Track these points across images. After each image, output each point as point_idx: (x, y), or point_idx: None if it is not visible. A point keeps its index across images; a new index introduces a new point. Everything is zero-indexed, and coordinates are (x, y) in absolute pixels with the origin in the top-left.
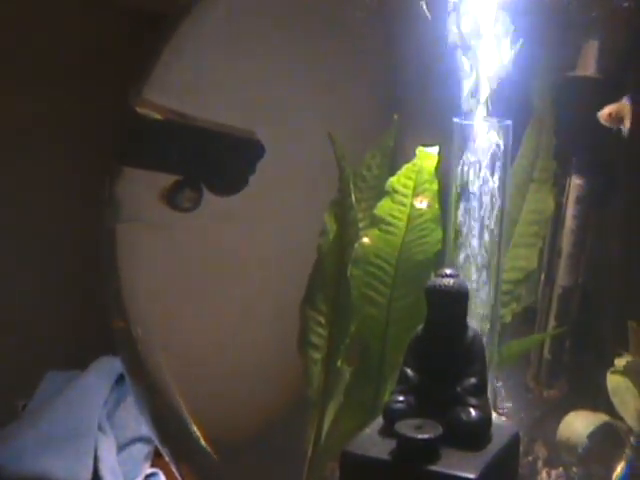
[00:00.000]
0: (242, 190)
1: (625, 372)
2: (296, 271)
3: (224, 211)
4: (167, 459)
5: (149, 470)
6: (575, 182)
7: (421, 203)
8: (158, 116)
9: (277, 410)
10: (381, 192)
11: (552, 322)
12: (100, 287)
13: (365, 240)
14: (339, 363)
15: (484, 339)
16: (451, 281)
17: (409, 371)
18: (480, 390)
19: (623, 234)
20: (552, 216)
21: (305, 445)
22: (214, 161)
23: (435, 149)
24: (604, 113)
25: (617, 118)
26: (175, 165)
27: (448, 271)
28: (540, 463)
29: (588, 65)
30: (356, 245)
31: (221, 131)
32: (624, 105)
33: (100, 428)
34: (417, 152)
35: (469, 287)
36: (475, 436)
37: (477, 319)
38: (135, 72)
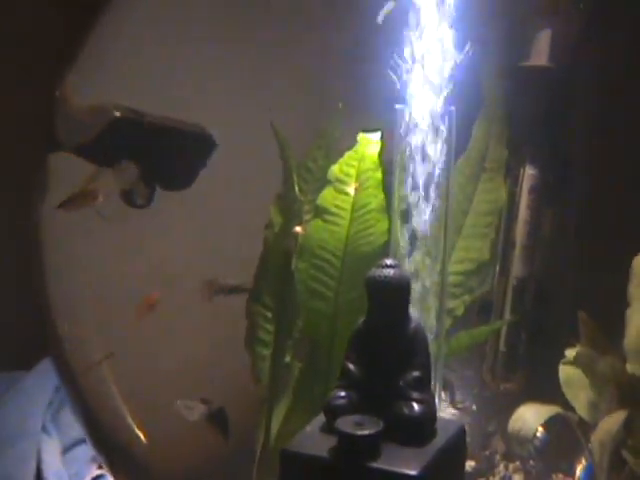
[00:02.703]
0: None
1: (576, 363)
2: (242, 266)
3: (163, 205)
4: (104, 466)
5: (96, 472)
6: (529, 172)
7: (354, 190)
8: (117, 113)
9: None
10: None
11: (507, 314)
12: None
13: (297, 229)
14: (288, 359)
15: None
16: (391, 272)
17: (351, 366)
18: (423, 383)
19: (577, 225)
20: (506, 207)
21: (255, 445)
22: (166, 157)
23: (377, 135)
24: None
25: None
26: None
27: (388, 262)
28: (498, 457)
29: (541, 54)
30: (300, 238)
31: (172, 126)
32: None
33: (44, 430)
34: (359, 139)
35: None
36: (418, 431)
37: (426, 312)
38: (67, 61)
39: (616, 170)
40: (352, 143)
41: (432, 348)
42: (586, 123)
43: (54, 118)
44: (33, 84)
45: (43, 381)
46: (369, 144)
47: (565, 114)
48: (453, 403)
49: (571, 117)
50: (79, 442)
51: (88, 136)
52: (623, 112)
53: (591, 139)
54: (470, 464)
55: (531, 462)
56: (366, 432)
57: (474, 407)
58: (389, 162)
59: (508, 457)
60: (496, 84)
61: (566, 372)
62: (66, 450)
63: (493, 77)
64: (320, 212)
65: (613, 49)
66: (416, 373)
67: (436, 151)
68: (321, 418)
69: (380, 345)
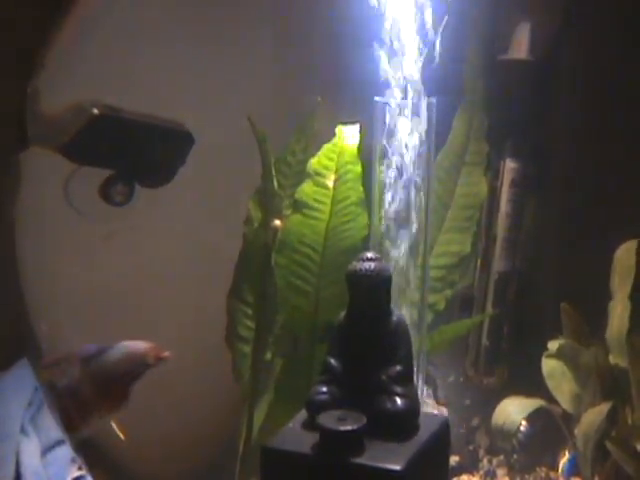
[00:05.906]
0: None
1: (558, 355)
2: (222, 263)
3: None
4: (83, 467)
5: (76, 473)
6: (509, 165)
7: (332, 182)
8: (95, 111)
9: (205, 408)
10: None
11: (489, 308)
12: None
13: (277, 222)
14: (269, 355)
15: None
16: (372, 265)
17: (332, 360)
18: (406, 378)
19: (559, 218)
20: (487, 200)
21: (237, 441)
22: (145, 154)
23: (356, 128)
24: None
25: None
26: (108, 159)
27: (369, 255)
28: (482, 451)
29: (520, 48)
30: (279, 232)
31: (150, 123)
32: None
33: (23, 431)
34: (337, 132)
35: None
36: (401, 426)
37: (407, 306)
38: (38, 58)
39: (598, 164)
40: (331, 136)
41: (414, 342)
42: (567, 117)
43: (25, 116)
44: (2, 82)
45: (21, 381)
46: (348, 137)
47: (546, 108)
48: (436, 398)
49: (552, 111)
50: (58, 443)
51: (66, 135)
52: (604, 104)
53: (572, 133)
54: (454, 459)
55: (515, 456)
56: (349, 427)
57: (457, 401)
58: (369, 155)
59: (492, 451)
60: (478, 77)
61: (549, 365)
62: (45, 451)
63: (474, 71)
64: (299, 206)
65: (594, 42)
66: (398, 367)
67: (416, 144)
68: (303, 414)
69: (361, 339)
